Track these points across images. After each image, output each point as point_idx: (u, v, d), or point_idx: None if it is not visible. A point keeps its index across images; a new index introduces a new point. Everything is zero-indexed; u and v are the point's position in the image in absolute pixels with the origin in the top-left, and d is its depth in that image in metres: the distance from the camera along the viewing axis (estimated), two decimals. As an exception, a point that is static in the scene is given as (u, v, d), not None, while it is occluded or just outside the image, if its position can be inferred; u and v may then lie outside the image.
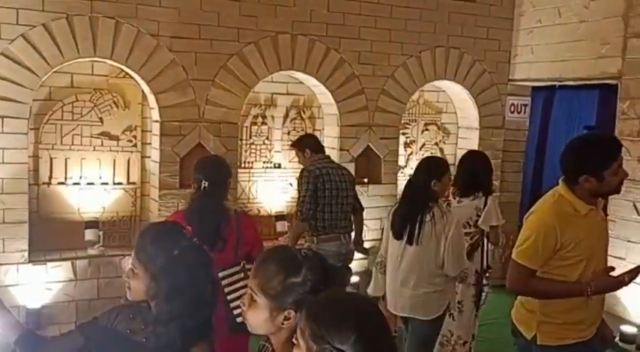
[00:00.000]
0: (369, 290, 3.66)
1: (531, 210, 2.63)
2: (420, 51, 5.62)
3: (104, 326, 1.81)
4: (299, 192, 4.24)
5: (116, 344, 1.78)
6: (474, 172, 3.93)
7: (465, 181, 3.91)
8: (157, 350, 1.71)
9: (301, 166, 4.45)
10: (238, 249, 2.94)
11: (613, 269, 2.53)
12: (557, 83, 5.74)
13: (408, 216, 3.34)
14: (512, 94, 6.09)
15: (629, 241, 4.75)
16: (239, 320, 2.63)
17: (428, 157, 4.04)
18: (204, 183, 2.93)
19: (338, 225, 4.26)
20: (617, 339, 4.63)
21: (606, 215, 5.00)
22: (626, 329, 4.59)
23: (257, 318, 1.51)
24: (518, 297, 2.72)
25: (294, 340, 1.30)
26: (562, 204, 2.49)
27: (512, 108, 6.10)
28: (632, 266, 4.73)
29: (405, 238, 3.35)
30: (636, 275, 2.47)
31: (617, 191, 2.55)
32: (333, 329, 1.20)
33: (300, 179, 4.25)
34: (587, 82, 5.37)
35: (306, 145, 4.40)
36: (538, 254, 2.45)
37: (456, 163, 4.33)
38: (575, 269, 2.46)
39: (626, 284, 2.49)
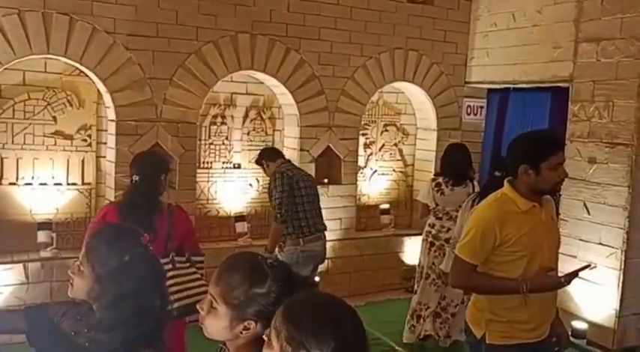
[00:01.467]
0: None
1: (475, 207, 2.73)
2: (379, 52, 5.67)
3: (51, 320, 1.76)
4: (273, 196, 4.27)
5: (58, 342, 1.73)
6: (462, 165, 4.63)
7: (455, 174, 4.58)
8: None
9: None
10: (169, 242, 3.00)
11: (552, 269, 2.56)
12: (512, 86, 5.89)
13: None
14: (469, 96, 6.22)
15: (580, 239, 4.91)
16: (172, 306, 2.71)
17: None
18: (135, 178, 3.02)
19: (318, 223, 4.43)
20: (569, 335, 4.78)
21: (558, 215, 5.16)
22: (577, 324, 4.75)
23: (215, 326, 1.48)
24: (472, 297, 2.77)
25: (264, 337, 1.27)
26: (503, 201, 2.53)
27: (469, 110, 6.23)
28: (584, 264, 4.89)
29: None
30: (574, 277, 2.51)
31: (555, 190, 2.60)
32: (312, 335, 1.17)
33: (272, 182, 4.29)
34: (540, 85, 5.53)
35: (263, 157, 4.53)
36: (477, 249, 2.49)
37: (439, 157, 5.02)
38: (516, 266, 2.48)
39: (564, 285, 2.55)
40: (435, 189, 4.62)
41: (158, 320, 1.73)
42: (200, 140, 5.24)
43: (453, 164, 4.63)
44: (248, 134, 5.52)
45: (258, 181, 5.58)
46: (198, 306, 1.54)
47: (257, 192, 5.59)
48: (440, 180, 4.64)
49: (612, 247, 4.66)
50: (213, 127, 5.38)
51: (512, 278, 2.48)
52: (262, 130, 5.59)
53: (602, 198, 4.75)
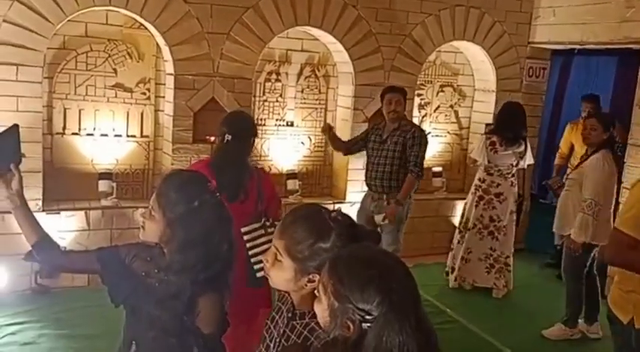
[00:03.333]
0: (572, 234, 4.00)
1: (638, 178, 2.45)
2: (439, 9, 5.49)
3: (122, 261, 1.83)
4: (417, 151, 4.32)
5: (129, 282, 1.80)
6: (518, 125, 4.77)
7: (510, 134, 4.72)
8: (166, 296, 1.72)
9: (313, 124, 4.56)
10: (259, 203, 2.95)
11: None
12: (578, 47, 5.62)
13: None
14: (531, 57, 5.98)
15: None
16: (259, 275, 2.67)
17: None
18: (228, 137, 2.93)
19: None
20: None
21: None
22: None
23: (280, 277, 1.49)
24: (615, 280, 2.55)
25: (315, 292, 1.28)
26: None
27: (531, 72, 6.00)
28: None
29: None
30: None
31: None
32: (357, 290, 1.16)
33: (422, 138, 4.37)
34: (609, 47, 5.26)
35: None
36: None
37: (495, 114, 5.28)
38: None
39: None
40: (490, 147, 4.82)
41: (225, 264, 1.77)
42: (255, 96, 5.25)
43: (509, 123, 4.78)
44: (302, 92, 5.49)
45: (310, 139, 5.58)
46: (262, 257, 1.56)
47: (309, 151, 5.59)
48: (494, 138, 4.79)
49: None
50: (268, 84, 5.37)
51: None
52: (316, 88, 5.54)
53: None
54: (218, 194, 1.80)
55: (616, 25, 5.03)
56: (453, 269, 5.08)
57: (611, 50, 5.34)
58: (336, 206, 5.37)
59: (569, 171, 4.77)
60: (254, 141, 3.07)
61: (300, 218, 1.50)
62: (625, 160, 4.90)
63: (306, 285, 1.46)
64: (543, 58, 6.03)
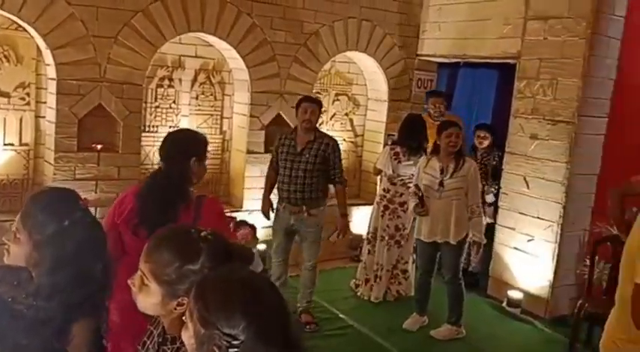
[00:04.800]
0: None
1: None
2: (332, 21, 5.61)
3: None
4: (338, 161, 4.38)
5: None
6: (420, 136, 4.91)
7: (413, 144, 4.88)
8: (35, 323, 1.59)
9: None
10: None
11: None
12: (462, 60, 5.95)
13: None
14: (420, 69, 6.26)
15: (519, 213, 5.09)
16: None
17: None
18: (160, 159, 2.63)
19: None
20: (504, 304, 4.99)
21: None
22: (513, 294, 4.95)
23: (147, 302, 1.43)
24: (607, 330, 2.34)
25: (184, 318, 1.23)
26: None
27: (420, 83, 6.27)
28: (522, 236, 5.08)
29: None
30: None
31: None
32: (223, 315, 1.12)
33: (338, 148, 4.42)
34: (489, 61, 5.61)
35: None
36: None
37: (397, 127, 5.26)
38: None
39: None
40: (394, 157, 4.97)
41: (100, 286, 1.67)
42: (146, 102, 5.08)
43: (412, 134, 4.93)
44: (196, 98, 5.39)
45: (206, 147, 5.47)
46: (129, 282, 1.48)
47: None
48: (398, 149, 4.96)
49: (549, 221, 4.86)
50: (160, 90, 5.21)
51: None
52: (211, 95, 5.46)
53: (541, 173, 4.92)
54: (88, 211, 1.70)
55: (495, 40, 5.39)
56: (367, 280, 5.11)
57: (492, 64, 5.69)
58: (234, 214, 5.32)
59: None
60: (198, 162, 2.57)
61: (167, 239, 1.44)
62: (503, 167, 5.26)
63: (175, 309, 1.41)
64: (431, 70, 6.33)
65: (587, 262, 4.44)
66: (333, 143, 4.37)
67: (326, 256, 5.79)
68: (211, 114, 5.48)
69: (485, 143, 5.44)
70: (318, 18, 5.53)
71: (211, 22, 4.98)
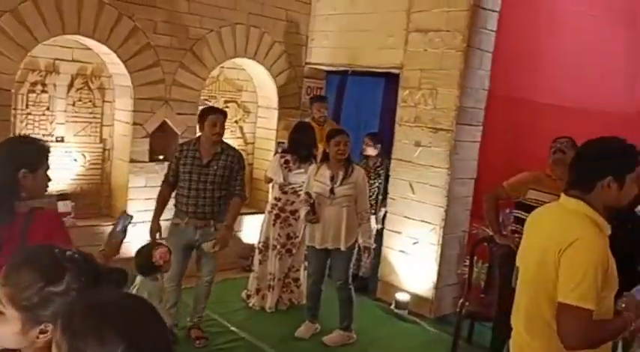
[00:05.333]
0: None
1: (568, 241, 1.99)
2: (220, 26, 5.51)
3: None
4: (242, 175, 4.28)
5: None
6: (310, 144, 4.93)
7: (303, 152, 4.88)
8: None
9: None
10: None
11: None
12: (350, 69, 6.09)
13: None
14: (309, 77, 6.32)
15: (405, 217, 5.27)
16: None
17: None
18: None
19: None
20: (392, 306, 5.14)
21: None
22: (400, 296, 5.11)
23: (5, 332, 1.28)
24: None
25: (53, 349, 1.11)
26: (590, 225, 2.04)
27: (309, 91, 6.33)
28: (408, 239, 5.25)
29: None
30: None
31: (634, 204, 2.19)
32: (97, 343, 1.03)
33: (241, 159, 4.28)
34: (375, 70, 5.79)
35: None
36: (598, 292, 1.94)
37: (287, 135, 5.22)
38: (609, 301, 2.05)
39: None
40: (284, 165, 4.95)
41: None
42: (15, 109, 4.69)
43: (302, 143, 4.94)
44: (73, 105, 5.06)
45: (84, 156, 5.16)
46: None
47: (83, 168, 5.16)
48: (288, 157, 4.96)
49: (432, 224, 5.07)
50: (32, 96, 4.83)
51: (614, 317, 2.07)
52: (90, 101, 5.15)
53: (425, 179, 5.12)
54: None
55: (379, 51, 5.56)
56: (258, 290, 5.06)
57: (379, 72, 5.87)
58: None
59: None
60: (29, 175, 2.29)
61: (26, 260, 1.31)
62: (390, 173, 5.43)
63: (38, 338, 1.28)
64: (319, 78, 6.42)
65: (467, 262, 4.68)
66: (239, 155, 4.27)
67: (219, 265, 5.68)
68: (90, 122, 5.17)
69: (369, 150, 5.58)
70: (205, 23, 5.41)
71: (89, 25, 4.70)
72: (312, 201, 4.29)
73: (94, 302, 1.12)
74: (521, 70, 5.32)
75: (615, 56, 6.46)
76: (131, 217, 2.66)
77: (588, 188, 2.07)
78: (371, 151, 5.59)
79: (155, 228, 4.21)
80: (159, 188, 4.34)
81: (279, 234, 4.98)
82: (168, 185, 4.28)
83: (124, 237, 2.62)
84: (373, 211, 5.31)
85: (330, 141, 4.31)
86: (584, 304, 1.90)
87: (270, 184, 5.24)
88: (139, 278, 3.65)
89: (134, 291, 3.54)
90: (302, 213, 4.44)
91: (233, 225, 4.32)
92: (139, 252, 3.75)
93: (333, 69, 6.24)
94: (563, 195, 2.19)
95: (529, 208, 3.99)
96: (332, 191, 4.28)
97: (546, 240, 2.09)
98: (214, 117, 4.11)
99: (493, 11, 4.96)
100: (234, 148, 4.34)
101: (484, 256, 4.72)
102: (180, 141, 5.35)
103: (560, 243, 2.00)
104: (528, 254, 2.23)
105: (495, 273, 4.34)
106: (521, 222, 4.01)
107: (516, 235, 3.99)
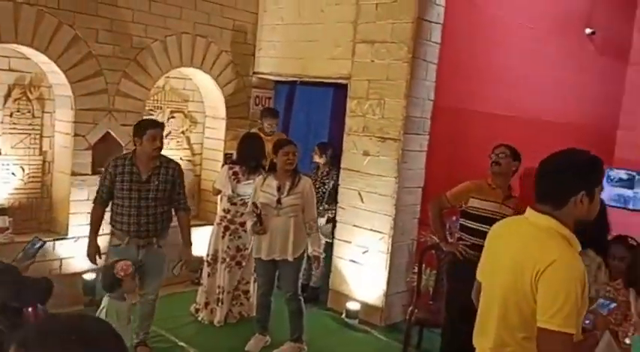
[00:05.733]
0: None
1: (545, 262, 1.90)
2: (165, 35, 5.42)
3: None
4: (182, 187, 4.22)
5: None
6: (258, 155, 4.91)
7: (252, 163, 4.84)
8: None
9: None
10: None
11: None
12: (298, 79, 6.09)
13: None
14: (257, 87, 6.29)
15: (355, 226, 5.29)
16: None
17: None
18: None
19: None
20: (343, 316, 5.14)
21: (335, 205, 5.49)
22: (351, 305, 5.12)
23: None
24: None
25: None
26: (566, 244, 1.98)
27: (257, 101, 6.30)
28: (358, 248, 5.28)
29: None
30: None
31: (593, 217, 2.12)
32: None
33: (181, 171, 4.19)
34: (324, 80, 5.81)
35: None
36: (578, 314, 1.90)
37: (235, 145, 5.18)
38: (579, 322, 1.95)
39: None
40: (233, 177, 4.89)
41: None
42: (-53, 120, 4.47)
43: (250, 154, 4.90)
44: (11, 116, 4.85)
45: (23, 169, 4.95)
46: None
47: (22, 182, 4.95)
48: (237, 168, 4.90)
49: (382, 232, 5.11)
50: (-35, 106, 4.62)
51: (587, 336, 2.08)
52: (29, 112, 4.95)
53: (374, 188, 5.17)
54: None
55: (327, 61, 5.59)
56: (207, 304, 4.98)
57: (327, 83, 5.90)
58: (57, 243, 4.88)
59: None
60: None
61: None
62: (339, 183, 5.45)
63: None
64: (268, 88, 6.40)
65: (416, 270, 4.74)
66: (178, 168, 4.16)
67: (163, 281, 5.54)
68: (29, 134, 4.97)
69: (316, 158, 5.62)
70: (150, 32, 5.31)
71: (27, 33, 4.54)
72: (258, 211, 4.23)
73: (50, 327, 1.06)
74: (464, 81, 5.46)
75: (551, 67, 6.73)
76: (43, 242, 2.73)
77: (561, 203, 1.99)
78: (317, 159, 5.63)
79: (93, 251, 4.04)
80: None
81: (228, 247, 4.91)
82: (102, 203, 4.07)
83: (34, 260, 2.71)
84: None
85: (278, 151, 4.28)
86: (567, 329, 1.84)
87: (219, 196, 5.16)
88: (105, 298, 3.54)
89: (103, 312, 3.46)
90: (248, 224, 4.39)
91: (191, 240, 4.23)
92: (103, 271, 3.65)
93: (282, 79, 6.23)
94: (530, 211, 2.09)
95: (472, 216, 4.12)
96: (279, 201, 4.24)
97: (519, 259, 1.99)
98: (154, 131, 3.94)
99: (437, 23, 5.08)
100: (171, 160, 4.21)
101: (432, 263, 4.80)
102: (125, 152, 5.25)
103: (536, 263, 1.91)
104: (496, 271, 2.12)
105: (443, 280, 4.42)
106: (465, 229, 4.13)
107: (461, 242, 4.08)
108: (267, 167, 4.71)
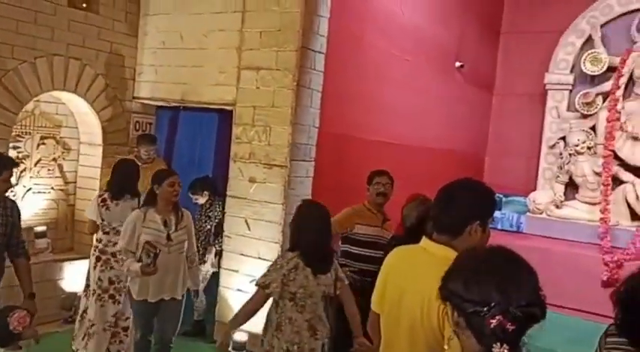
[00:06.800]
0: None
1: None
2: (34, 57, 5.06)
3: None
4: (20, 227, 3.76)
5: None
6: (129, 180, 4.65)
7: (120, 189, 4.59)
8: None
9: None
10: None
11: None
12: (182, 105, 5.93)
13: None
14: (137, 112, 6.05)
15: (242, 254, 5.20)
16: None
17: None
18: None
19: None
20: (230, 348, 4.98)
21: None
22: (238, 336, 4.97)
23: None
24: None
25: None
26: None
27: (138, 126, 6.05)
28: (245, 277, 5.19)
29: None
30: None
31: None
32: None
33: (19, 209, 3.73)
34: (209, 106, 5.71)
35: None
36: None
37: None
38: None
39: None
40: (101, 204, 4.59)
41: None
42: None
43: (119, 179, 4.66)
44: None
45: None
46: None
47: None
48: (106, 195, 4.64)
49: (268, 261, 5.05)
50: None
51: None
52: None
53: (260, 215, 5.12)
54: None
55: (212, 87, 5.51)
56: (84, 337, 4.61)
57: (212, 108, 5.79)
58: None
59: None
60: None
61: None
62: (225, 210, 5.34)
63: None
64: (149, 113, 6.17)
65: (304, 297, 4.72)
66: (16, 205, 3.73)
67: (34, 321, 5.07)
68: None
69: (200, 200, 5.42)
70: (17, 53, 4.92)
71: None
72: (157, 251, 3.74)
73: None
74: (347, 108, 5.63)
75: (426, 97, 7.15)
76: None
77: (457, 233, 2.01)
78: (201, 200, 5.43)
79: None
80: None
81: (99, 278, 4.56)
82: None
83: None
84: (202, 256, 5.18)
85: (162, 182, 4.02)
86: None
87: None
88: None
89: None
90: (135, 266, 3.81)
91: (33, 290, 3.75)
92: None
93: (164, 104, 6.04)
94: (426, 241, 2.10)
95: (357, 242, 4.20)
96: (169, 237, 3.94)
97: (425, 292, 1.94)
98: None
99: (320, 53, 5.20)
100: (9, 198, 3.77)
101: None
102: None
103: None
104: (401, 305, 2.10)
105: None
106: (350, 256, 4.20)
107: (346, 268, 4.13)
108: (143, 197, 4.42)
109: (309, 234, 3.39)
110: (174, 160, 6.47)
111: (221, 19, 5.43)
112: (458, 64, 7.72)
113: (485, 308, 1.32)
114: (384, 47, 6.15)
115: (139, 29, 5.94)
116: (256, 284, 3.43)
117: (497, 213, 7.90)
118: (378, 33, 6.03)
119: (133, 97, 5.98)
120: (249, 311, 3.50)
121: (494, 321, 1.31)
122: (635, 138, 7.39)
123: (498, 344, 1.30)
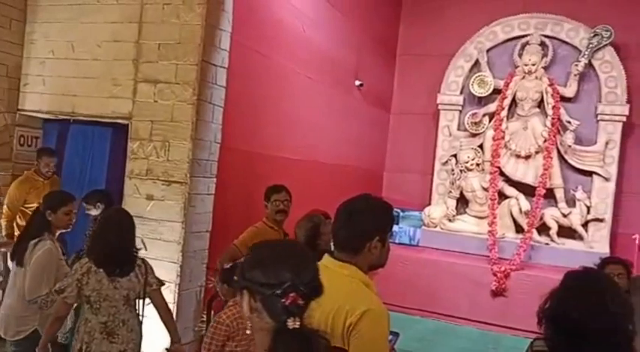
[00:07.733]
0: None
1: (356, 313, 1.89)
2: None
3: None
4: None
5: None
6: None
7: None
8: None
9: None
10: None
11: None
12: (72, 118, 5.59)
13: None
14: (22, 125, 5.62)
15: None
16: None
17: None
18: None
19: None
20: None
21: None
22: None
23: None
24: None
25: None
26: (373, 293, 2.00)
27: (22, 140, 5.62)
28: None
29: None
30: None
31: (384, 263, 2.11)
32: None
33: None
34: (101, 120, 5.42)
35: None
36: None
37: None
38: None
39: None
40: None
41: None
42: None
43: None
44: None
45: None
46: None
47: None
48: None
49: (167, 282, 4.84)
50: None
51: None
52: None
53: (158, 234, 4.91)
54: None
55: (105, 99, 5.24)
56: None
57: (105, 122, 5.50)
58: None
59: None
60: None
61: None
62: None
63: None
64: (35, 127, 5.76)
65: (205, 318, 4.57)
66: None
67: None
68: None
69: (93, 211, 5.08)
70: None
71: None
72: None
73: None
74: (250, 123, 5.58)
75: (328, 114, 7.27)
76: None
77: (357, 250, 2.00)
78: (93, 212, 5.10)
79: None
80: None
81: None
82: None
83: None
84: None
85: (57, 210, 3.77)
86: None
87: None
88: None
89: None
90: None
91: None
92: None
93: (52, 117, 5.66)
94: (328, 259, 2.06)
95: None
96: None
97: (332, 310, 1.91)
98: None
99: (222, 67, 5.12)
100: None
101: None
102: None
103: (346, 313, 1.89)
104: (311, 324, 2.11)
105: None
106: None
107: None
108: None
109: (103, 239, 3.44)
110: (63, 176, 6.07)
111: (117, 29, 5.20)
112: (357, 82, 7.93)
113: (280, 289, 1.50)
114: (286, 63, 6.18)
115: (25, 37, 5.54)
116: (54, 291, 3.42)
117: (395, 227, 8.16)
118: (281, 49, 6.06)
119: (18, 109, 5.55)
120: (52, 320, 3.46)
121: (288, 299, 1.49)
122: (518, 156, 7.96)
123: (291, 318, 1.49)
